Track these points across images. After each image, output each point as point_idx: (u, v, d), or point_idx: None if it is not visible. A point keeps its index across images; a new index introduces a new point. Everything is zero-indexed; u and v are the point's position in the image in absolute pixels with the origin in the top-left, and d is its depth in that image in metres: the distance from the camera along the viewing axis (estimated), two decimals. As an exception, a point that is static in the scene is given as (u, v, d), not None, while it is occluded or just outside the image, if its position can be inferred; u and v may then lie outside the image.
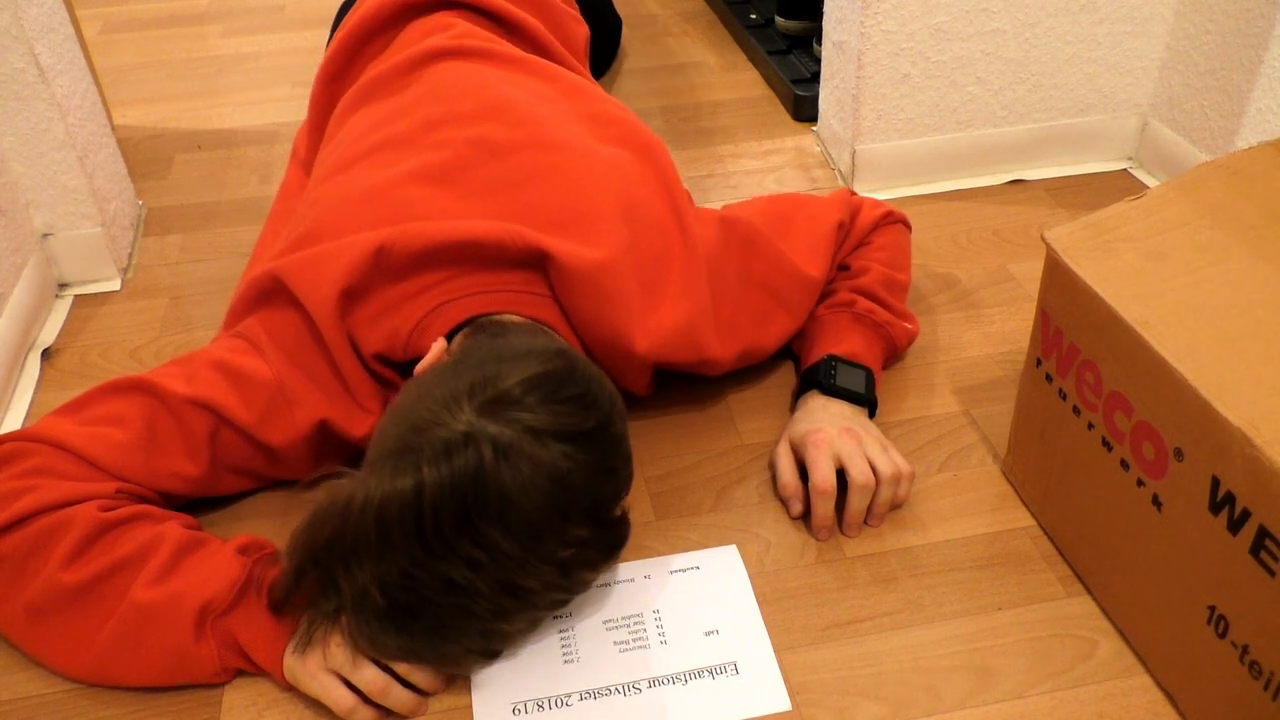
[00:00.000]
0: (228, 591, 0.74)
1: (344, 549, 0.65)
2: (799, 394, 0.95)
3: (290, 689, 0.74)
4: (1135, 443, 0.71)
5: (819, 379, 0.92)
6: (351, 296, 0.82)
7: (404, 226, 0.83)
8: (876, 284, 0.98)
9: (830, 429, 0.86)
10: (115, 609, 0.73)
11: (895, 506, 0.87)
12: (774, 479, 0.90)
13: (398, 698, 0.72)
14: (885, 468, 0.85)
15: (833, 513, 0.85)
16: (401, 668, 0.72)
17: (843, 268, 1.01)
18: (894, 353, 1.00)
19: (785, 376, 1.04)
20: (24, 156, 1.11)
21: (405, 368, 0.83)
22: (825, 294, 1.00)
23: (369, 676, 0.71)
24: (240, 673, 0.76)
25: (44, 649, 0.76)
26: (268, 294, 0.85)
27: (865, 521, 0.86)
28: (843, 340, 0.95)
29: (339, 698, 0.71)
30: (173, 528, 0.78)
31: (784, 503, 0.89)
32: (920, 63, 1.26)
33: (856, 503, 0.84)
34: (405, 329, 0.82)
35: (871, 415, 0.93)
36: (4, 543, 0.74)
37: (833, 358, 0.93)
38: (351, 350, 0.83)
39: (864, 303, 0.96)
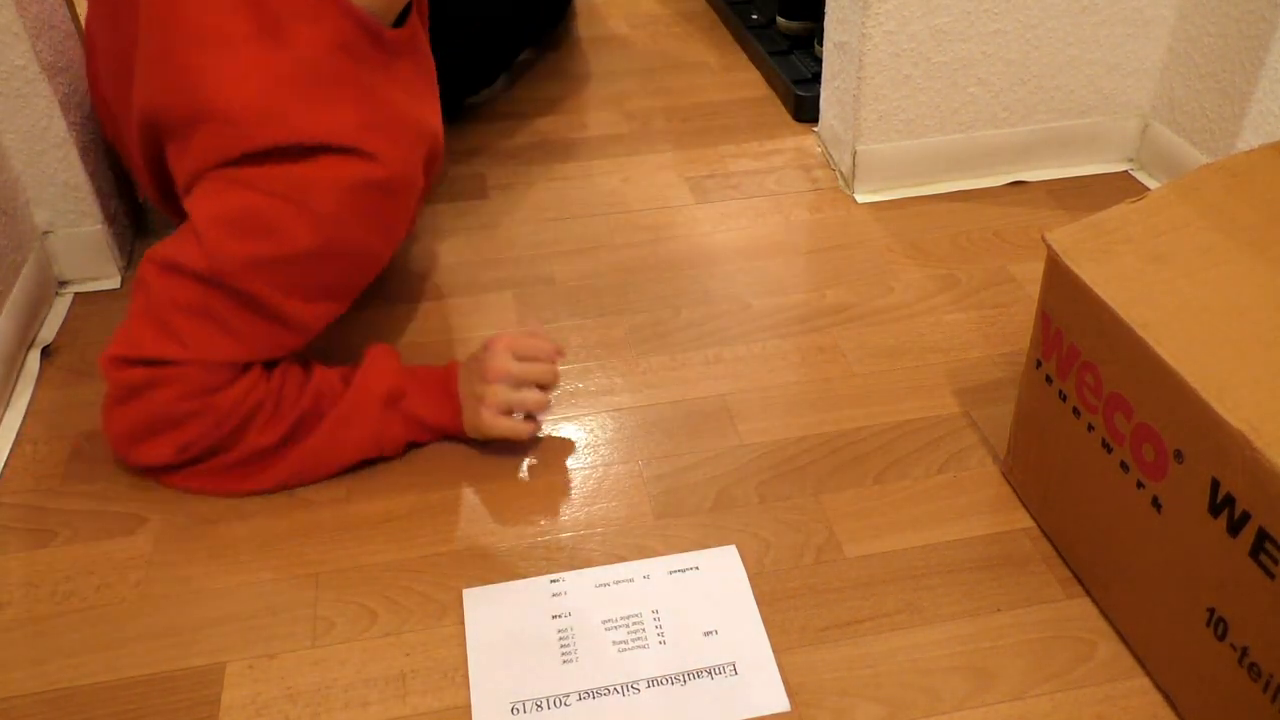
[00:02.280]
0: (401, 380, 0.91)
1: None
2: None
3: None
4: (1135, 444, 0.71)
5: None
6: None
7: None
8: None
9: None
10: (311, 436, 0.88)
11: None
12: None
13: (541, 402, 0.92)
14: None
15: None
16: (529, 374, 0.92)
17: None
18: None
19: (786, 376, 1.04)
20: (24, 154, 1.11)
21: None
22: None
23: (518, 399, 0.91)
24: (411, 445, 0.94)
25: (248, 485, 0.90)
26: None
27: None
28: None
29: (522, 426, 0.92)
30: (320, 369, 0.91)
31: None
32: (921, 64, 1.26)
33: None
34: None
35: None
36: (202, 443, 0.86)
37: None
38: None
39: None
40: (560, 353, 0.95)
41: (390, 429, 0.91)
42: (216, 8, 0.81)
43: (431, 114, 0.96)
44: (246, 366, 0.87)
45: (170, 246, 0.85)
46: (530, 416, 0.95)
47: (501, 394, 0.90)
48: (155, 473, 0.91)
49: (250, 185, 0.82)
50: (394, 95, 0.87)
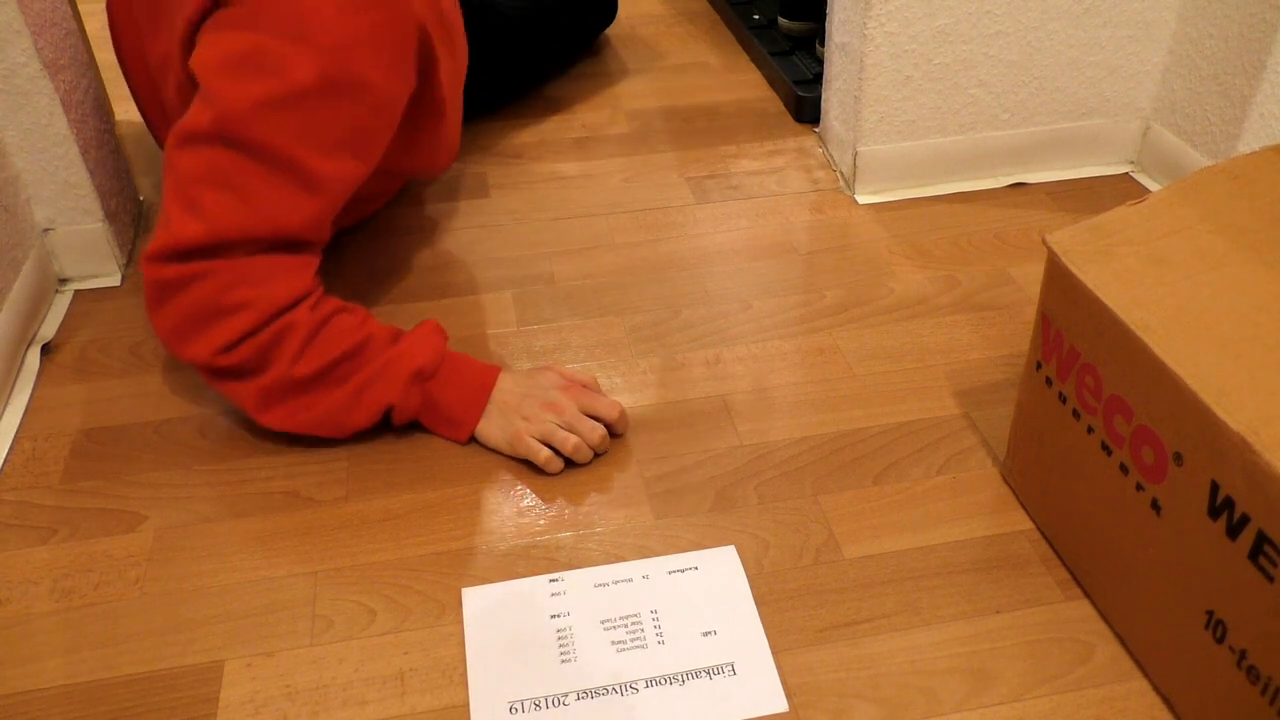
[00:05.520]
0: (435, 359, 0.92)
1: None
2: None
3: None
4: (1135, 447, 0.71)
5: None
6: None
7: None
8: None
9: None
10: (341, 387, 0.89)
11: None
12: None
13: (582, 449, 0.92)
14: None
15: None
16: (580, 426, 0.92)
17: None
18: None
19: (785, 376, 1.04)
20: (26, 151, 1.11)
21: None
22: None
23: (561, 437, 0.91)
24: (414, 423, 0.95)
25: (268, 417, 0.91)
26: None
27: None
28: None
29: (547, 453, 0.91)
30: (375, 323, 0.92)
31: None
32: (923, 65, 1.26)
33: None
34: None
35: None
36: (240, 351, 0.87)
37: None
38: None
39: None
40: (625, 419, 0.96)
41: (409, 402, 0.92)
42: None
43: None
44: (305, 300, 0.88)
45: (184, 117, 0.86)
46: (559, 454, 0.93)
47: (550, 424, 0.92)
48: (201, 373, 0.91)
49: (246, 26, 0.83)
50: None
